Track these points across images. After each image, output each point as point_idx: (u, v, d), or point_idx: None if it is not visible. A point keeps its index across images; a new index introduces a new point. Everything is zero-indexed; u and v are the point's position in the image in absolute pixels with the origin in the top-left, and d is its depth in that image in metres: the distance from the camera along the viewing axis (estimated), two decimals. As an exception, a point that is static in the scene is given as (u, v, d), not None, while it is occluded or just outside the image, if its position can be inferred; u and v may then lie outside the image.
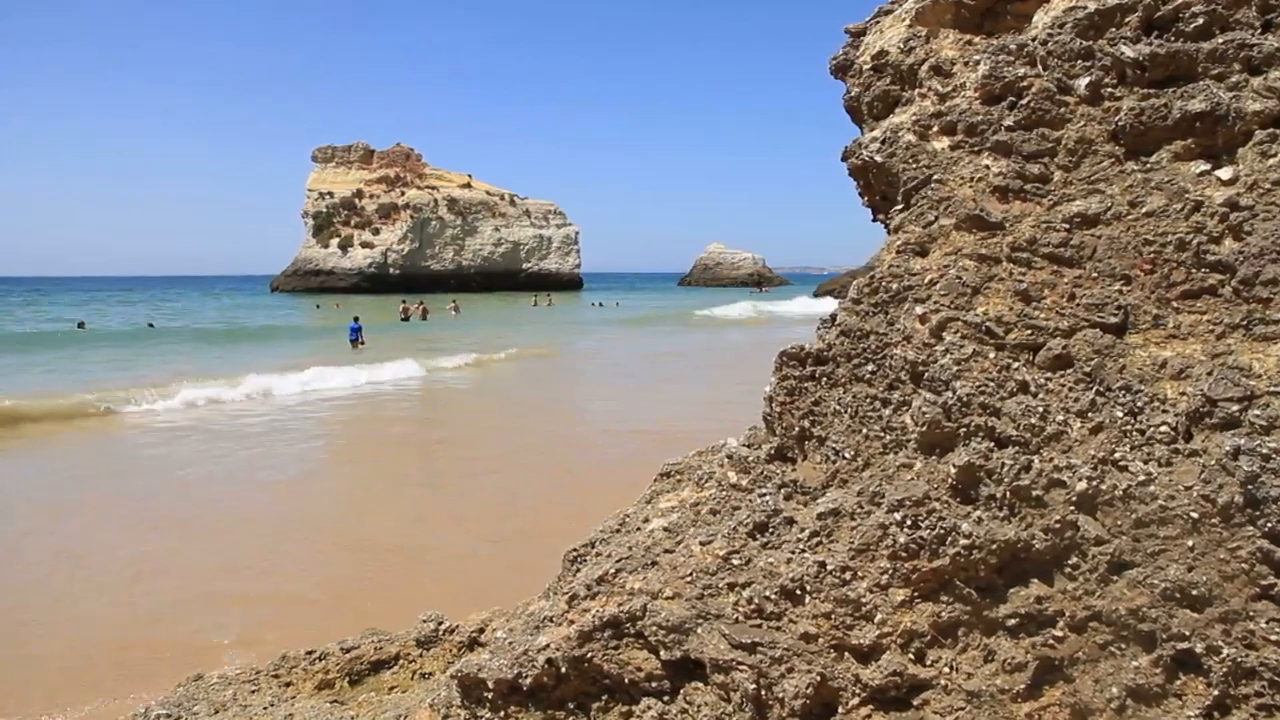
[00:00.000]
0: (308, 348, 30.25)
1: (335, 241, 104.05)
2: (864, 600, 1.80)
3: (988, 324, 1.78)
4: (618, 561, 2.12)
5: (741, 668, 1.85)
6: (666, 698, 1.97)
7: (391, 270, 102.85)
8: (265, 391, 18.77)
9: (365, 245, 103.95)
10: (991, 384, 1.75)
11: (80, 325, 44.34)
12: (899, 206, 2.04)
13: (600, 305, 69.89)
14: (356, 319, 32.78)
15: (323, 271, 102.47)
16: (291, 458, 12.95)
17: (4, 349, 31.11)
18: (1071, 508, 1.65)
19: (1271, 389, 1.53)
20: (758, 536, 1.97)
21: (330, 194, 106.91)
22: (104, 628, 6.58)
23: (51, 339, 36.27)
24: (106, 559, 8.15)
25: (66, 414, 15.78)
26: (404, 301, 55.34)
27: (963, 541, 1.71)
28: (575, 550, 2.46)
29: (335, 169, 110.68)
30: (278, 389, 19.09)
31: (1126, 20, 1.82)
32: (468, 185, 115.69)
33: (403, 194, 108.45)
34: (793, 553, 1.89)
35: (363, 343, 30.90)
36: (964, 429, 1.76)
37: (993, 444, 1.73)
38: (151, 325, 44.64)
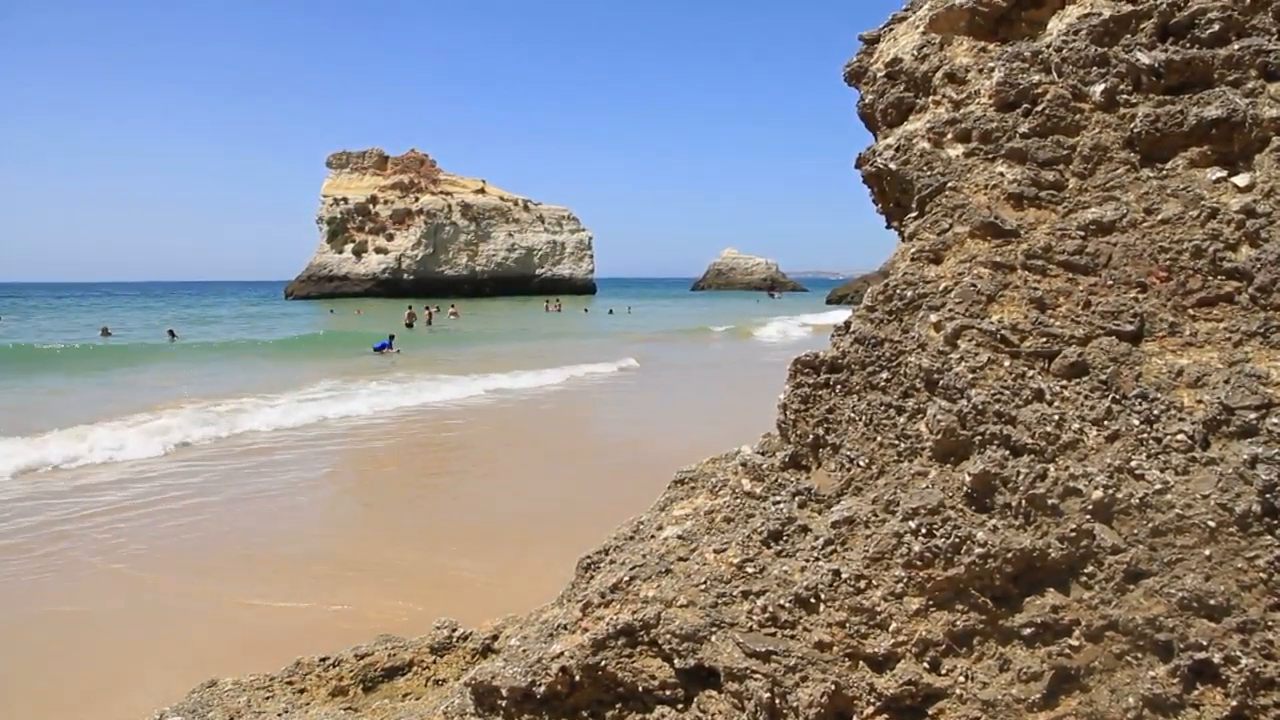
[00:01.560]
0: (371, 360, 29.78)
1: (349, 247, 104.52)
2: (878, 609, 1.79)
3: (1002, 331, 1.78)
4: (631, 569, 2.12)
5: (756, 676, 1.84)
6: (681, 706, 1.97)
7: (405, 276, 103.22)
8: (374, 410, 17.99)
9: (379, 251, 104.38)
10: (1006, 392, 1.74)
11: (105, 332, 43.97)
12: (913, 214, 2.04)
13: (610, 312, 68.72)
14: (391, 337, 32.94)
15: (337, 277, 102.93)
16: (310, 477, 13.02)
17: (73, 364, 29.14)
18: (1087, 516, 1.64)
19: (1290, 397, 1.52)
20: (772, 544, 1.96)
21: (344, 200, 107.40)
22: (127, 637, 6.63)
23: (105, 351, 34.76)
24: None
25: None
26: (410, 307, 53.18)
27: (978, 550, 1.70)
28: (589, 557, 2.46)
29: (349, 175, 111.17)
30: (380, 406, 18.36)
31: (1142, 26, 1.82)
32: (481, 191, 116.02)
33: (417, 200, 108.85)
34: (807, 561, 1.89)
35: (397, 350, 31.11)
36: (979, 437, 1.75)
37: (1008, 452, 1.72)
38: (172, 334, 43.59)
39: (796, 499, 1.99)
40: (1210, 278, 1.67)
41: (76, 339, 41.12)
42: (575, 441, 15.22)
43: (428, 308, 53.90)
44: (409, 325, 47.81)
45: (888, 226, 2.34)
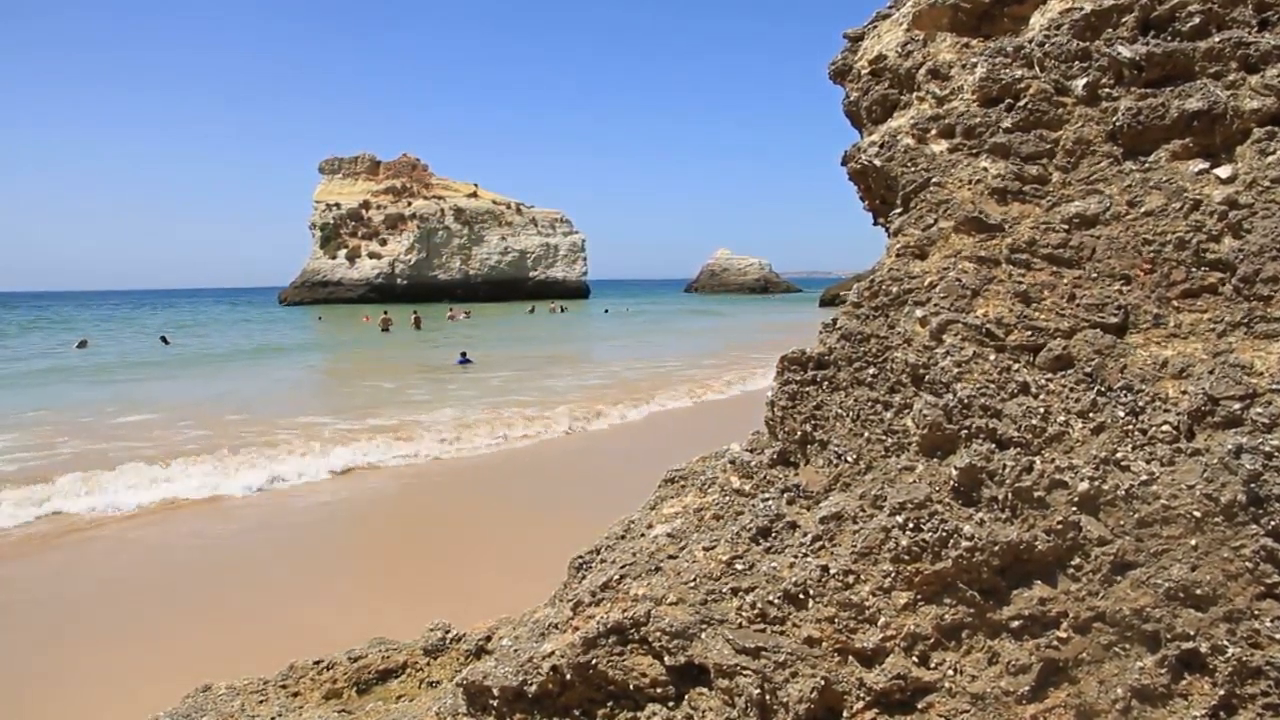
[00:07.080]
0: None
1: (343, 252, 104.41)
2: (867, 604, 1.79)
3: (988, 326, 1.78)
4: (622, 568, 2.12)
5: (746, 673, 1.84)
6: (671, 704, 1.97)
7: (399, 280, 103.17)
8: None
9: (372, 256, 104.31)
10: (992, 386, 1.75)
11: (82, 344, 42.14)
12: (898, 210, 2.04)
13: (606, 311, 68.82)
14: (464, 353, 32.07)
15: (330, 283, 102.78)
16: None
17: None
18: (1074, 508, 1.64)
19: (1273, 387, 1.53)
20: (761, 541, 1.96)
21: (337, 205, 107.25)
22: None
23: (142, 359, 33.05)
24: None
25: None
26: (385, 312, 52.91)
27: (965, 544, 1.71)
28: (580, 557, 2.46)
29: (342, 180, 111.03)
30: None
31: (1123, 21, 1.82)
32: (474, 194, 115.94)
33: (409, 204, 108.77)
34: (795, 557, 1.89)
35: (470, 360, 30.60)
36: (965, 431, 1.75)
37: (994, 446, 1.72)
38: (165, 339, 43.22)
39: (785, 495, 1.99)
40: (1194, 269, 1.68)
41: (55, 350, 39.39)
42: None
43: (414, 313, 53.36)
44: (384, 330, 46.76)
45: (874, 223, 2.35)
